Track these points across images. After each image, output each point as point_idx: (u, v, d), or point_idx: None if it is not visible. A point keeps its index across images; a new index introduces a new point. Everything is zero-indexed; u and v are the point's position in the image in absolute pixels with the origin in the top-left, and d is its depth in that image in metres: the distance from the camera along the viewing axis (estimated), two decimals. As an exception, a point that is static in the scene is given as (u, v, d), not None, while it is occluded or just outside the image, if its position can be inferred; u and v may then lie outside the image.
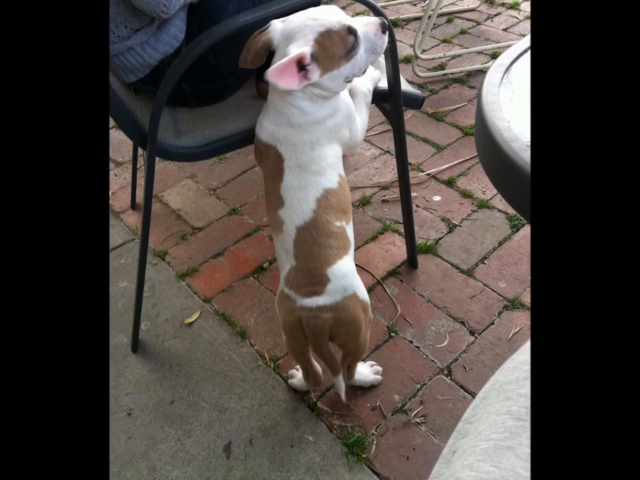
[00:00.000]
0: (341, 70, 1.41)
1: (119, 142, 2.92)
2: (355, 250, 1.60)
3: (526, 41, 0.98)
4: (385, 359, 1.80)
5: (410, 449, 1.58)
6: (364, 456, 1.57)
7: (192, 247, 2.29)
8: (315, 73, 1.37)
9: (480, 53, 3.34)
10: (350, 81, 1.48)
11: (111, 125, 2.88)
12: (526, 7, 3.77)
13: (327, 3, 1.62)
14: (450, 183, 2.46)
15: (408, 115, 2.86)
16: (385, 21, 1.44)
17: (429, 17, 3.03)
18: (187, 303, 2.06)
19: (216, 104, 1.79)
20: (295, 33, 1.38)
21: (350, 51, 1.40)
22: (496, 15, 3.73)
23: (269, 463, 1.58)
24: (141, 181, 2.50)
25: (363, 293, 1.48)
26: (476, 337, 1.84)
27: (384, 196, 2.43)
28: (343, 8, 3.76)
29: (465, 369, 1.76)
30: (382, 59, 1.69)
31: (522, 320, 1.88)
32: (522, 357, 0.58)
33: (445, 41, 3.50)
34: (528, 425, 0.50)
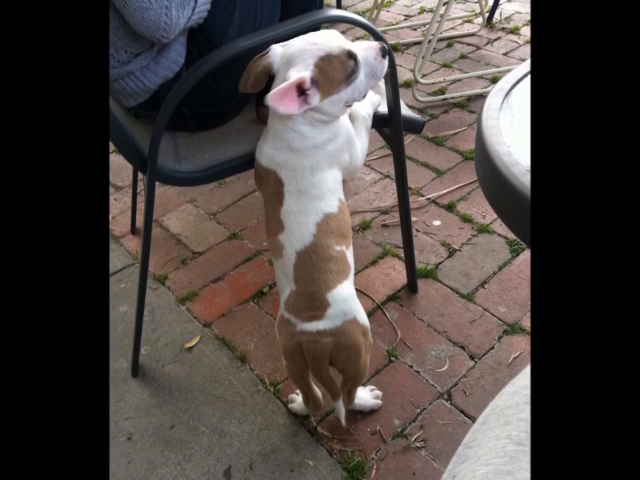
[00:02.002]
0: (340, 94, 1.41)
1: (119, 166, 2.93)
2: (355, 274, 1.60)
3: (526, 66, 0.98)
4: (385, 384, 1.80)
5: (410, 474, 1.57)
6: (364, 481, 1.56)
7: (192, 271, 2.29)
8: (314, 98, 1.38)
9: (480, 77, 3.35)
10: (350, 106, 1.49)
11: (110, 150, 2.89)
12: (526, 32, 3.80)
13: (326, 28, 1.63)
14: (450, 207, 2.46)
15: (408, 139, 2.87)
16: (385, 45, 1.45)
17: (429, 41, 3.05)
18: (187, 328, 2.06)
19: (216, 128, 1.79)
20: (295, 58, 1.39)
21: (350, 76, 1.40)
22: (496, 40, 3.75)
23: (268, 489, 1.58)
24: (141, 206, 2.51)
25: (363, 318, 1.48)
26: (476, 362, 1.84)
27: (384, 220, 2.44)
28: (343, 32, 3.78)
29: (465, 393, 1.75)
30: (382, 84, 1.70)
31: (522, 344, 1.88)
32: (522, 382, 0.58)
33: (445, 66, 3.52)
34: (528, 449, 0.49)
